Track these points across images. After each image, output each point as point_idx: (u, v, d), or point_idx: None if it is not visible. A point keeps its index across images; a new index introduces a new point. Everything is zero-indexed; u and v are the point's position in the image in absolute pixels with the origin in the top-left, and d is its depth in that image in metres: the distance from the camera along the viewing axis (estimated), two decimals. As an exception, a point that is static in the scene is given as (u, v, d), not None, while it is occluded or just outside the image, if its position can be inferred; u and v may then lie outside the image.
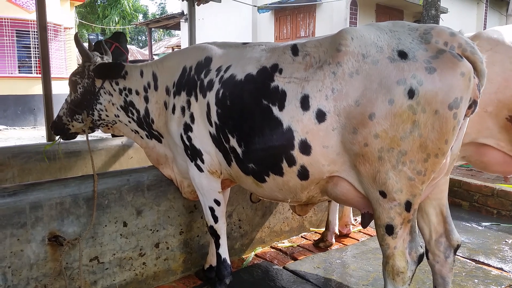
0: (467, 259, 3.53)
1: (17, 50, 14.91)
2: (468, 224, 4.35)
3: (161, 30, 34.36)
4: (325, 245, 3.78)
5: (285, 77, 2.23)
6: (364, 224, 2.42)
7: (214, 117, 2.50)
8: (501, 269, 3.37)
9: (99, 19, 32.25)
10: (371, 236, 4.05)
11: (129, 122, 3.06)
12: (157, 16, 28.66)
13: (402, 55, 1.93)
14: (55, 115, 3.41)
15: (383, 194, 2.05)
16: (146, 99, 2.93)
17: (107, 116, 3.08)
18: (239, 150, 2.40)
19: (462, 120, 1.99)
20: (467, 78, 1.89)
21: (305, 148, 2.16)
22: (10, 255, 2.44)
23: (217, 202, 2.81)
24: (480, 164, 3.00)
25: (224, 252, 2.91)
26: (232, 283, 2.94)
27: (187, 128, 2.66)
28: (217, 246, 2.91)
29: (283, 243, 3.89)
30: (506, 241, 3.91)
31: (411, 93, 1.88)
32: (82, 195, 2.72)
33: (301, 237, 4.05)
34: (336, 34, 2.16)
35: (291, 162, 2.23)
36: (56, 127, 3.25)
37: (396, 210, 2.05)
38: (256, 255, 3.64)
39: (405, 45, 1.96)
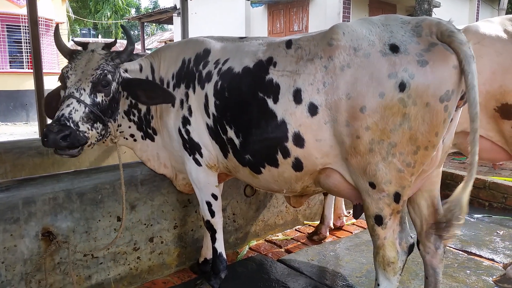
0: (459, 250, 3.57)
1: (8, 45, 14.75)
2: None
3: (153, 24, 34.13)
4: (319, 238, 3.81)
5: (279, 70, 2.26)
6: (356, 215, 2.45)
7: (212, 108, 2.50)
8: (492, 260, 3.42)
9: (91, 13, 31.97)
10: (364, 228, 4.07)
11: (129, 127, 2.80)
12: (150, 11, 28.48)
13: (394, 48, 1.94)
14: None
15: (372, 185, 2.08)
16: None
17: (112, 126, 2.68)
18: (236, 141, 2.42)
19: (454, 112, 2.01)
20: (459, 71, 1.90)
21: (299, 140, 2.19)
22: (3, 251, 2.43)
23: (215, 197, 2.80)
24: (467, 150, 3.06)
25: (220, 246, 2.91)
26: (226, 276, 2.95)
27: (185, 121, 2.63)
28: (213, 240, 2.90)
29: (277, 236, 3.91)
30: (497, 233, 3.95)
31: (402, 86, 1.90)
32: (75, 190, 2.71)
33: (295, 230, 4.07)
34: (329, 29, 2.19)
35: (286, 154, 2.26)
36: (73, 137, 2.29)
37: (385, 201, 2.08)
38: (250, 248, 3.65)
39: (397, 38, 1.97)
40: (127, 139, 2.89)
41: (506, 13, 16.16)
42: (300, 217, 4.15)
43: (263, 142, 2.31)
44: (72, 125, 2.32)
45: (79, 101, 2.39)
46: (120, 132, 2.77)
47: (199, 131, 2.60)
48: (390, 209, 2.10)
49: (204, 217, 2.87)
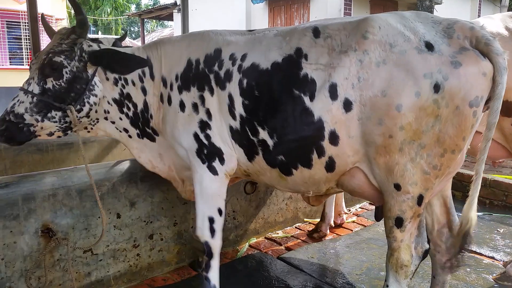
0: (459, 248, 3.56)
1: (8, 42, 14.71)
2: (461, 214, 4.38)
3: (154, 21, 34.07)
4: (319, 236, 3.80)
5: (312, 63, 2.15)
6: (378, 217, 2.41)
7: (239, 109, 2.32)
8: (492, 258, 3.41)
9: (91, 10, 31.89)
10: (365, 226, 4.07)
11: (120, 119, 2.61)
12: (150, 7, 28.38)
13: (429, 46, 1.93)
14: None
15: (397, 186, 2.05)
16: (144, 90, 2.57)
17: (95, 112, 2.52)
18: (270, 142, 2.27)
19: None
20: (488, 79, 1.91)
21: (334, 138, 2.12)
22: (3, 247, 2.43)
23: (220, 212, 2.49)
24: (469, 149, 3.06)
25: (214, 276, 2.51)
26: (226, 274, 2.95)
27: (204, 125, 2.41)
28: (207, 268, 2.49)
29: (277, 233, 3.91)
30: (498, 231, 3.95)
31: (436, 88, 1.89)
32: (75, 186, 2.70)
33: (295, 227, 4.06)
34: (362, 20, 2.11)
35: (321, 153, 2.17)
36: (9, 132, 2.34)
37: (409, 203, 2.06)
38: (250, 245, 3.65)
39: (430, 37, 1.95)
40: (120, 131, 2.67)
41: (508, 10, 16.11)
42: (300, 215, 4.14)
43: (299, 142, 2.19)
44: (12, 118, 2.33)
45: (26, 92, 2.34)
46: (111, 122, 2.62)
47: (222, 135, 2.40)
48: (412, 211, 2.09)
49: (200, 237, 2.47)
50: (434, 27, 1.99)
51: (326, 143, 2.13)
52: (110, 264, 2.88)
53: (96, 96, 2.47)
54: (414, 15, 2.08)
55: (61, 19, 16.41)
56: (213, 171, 2.43)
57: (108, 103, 2.55)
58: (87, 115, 2.50)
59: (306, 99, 2.14)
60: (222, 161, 2.42)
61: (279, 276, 3.11)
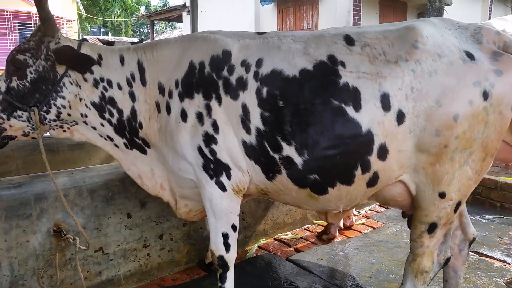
0: (470, 251, 3.52)
1: (20, 43, 14.91)
2: (471, 217, 4.31)
3: (163, 22, 34.26)
4: (328, 238, 3.79)
5: (352, 72, 2.00)
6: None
7: (256, 122, 2.10)
8: (504, 261, 3.38)
9: (100, 11, 32.21)
10: (374, 228, 4.06)
11: (102, 125, 2.38)
12: (159, 9, 28.58)
13: (470, 55, 1.94)
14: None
15: (442, 195, 2.02)
16: (132, 96, 2.34)
17: (68, 115, 2.31)
18: (298, 160, 2.06)
19: None
20: None
21: (383, 152, 1.99)
22: (16, 246, 2.46)
23: (234, 228, 2.36)
24: None
25: (230, 287, 2.46)
26: (235, 275, 2.95)
27: (209, 139, 2.18)
28: (223, 279, 2.43)
29: (286, 235, 3.91)
30: (509, 234, 3.91)
31: (485, 95, 1.90)
32: (87, 186, 2.73)
33: (304, 229, 4.06)
34: (407, 29, 2.03)
35: (366, 168, 2.03)
36: None
37: (447, 210, 2.05)
38: (259, 247, 3.65)
39: (466, 45, 1.97)
40: (105, 139, 2.44)
41: (519, 12, 15.93)
42: (310, 216, 4.13)
43: (340, 157, 2.01)
44: None
45: None
46: (92, 128, 2.40)
47: (230, 150, 2.18)
48: (447, 218, 2.08)
49: (215, 252, 2.38)
50: (462, 33, 2.01)
51: (373, 158, 1.99)
52: (121, 264, 2.90)
53: (64, 98, 2.26)
54: (442, 22, 2.07)
55: (71, 21, 16.60)
56: (222, 187, 2.26)
57: (86, 106, 2.33)
58: (58, 118, 2.31)
59: (349, 110, 1.97)
60: (229, 176, 2.24)
61: (288, 277, 3.11)
